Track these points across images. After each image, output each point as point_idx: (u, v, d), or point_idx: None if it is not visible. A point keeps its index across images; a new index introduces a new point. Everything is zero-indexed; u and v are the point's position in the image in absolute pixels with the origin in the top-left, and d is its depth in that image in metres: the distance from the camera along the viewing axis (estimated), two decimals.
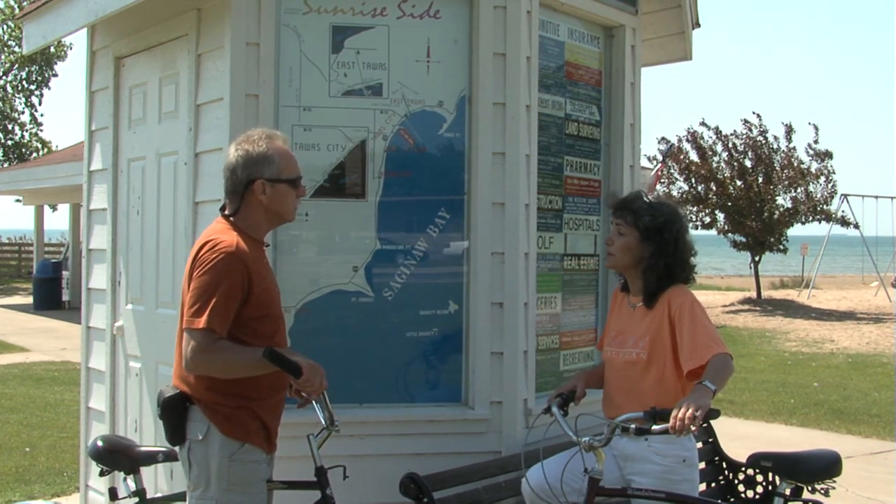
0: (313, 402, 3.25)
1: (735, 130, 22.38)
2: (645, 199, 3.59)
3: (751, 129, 22.17)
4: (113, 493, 3.61)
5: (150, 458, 3.56)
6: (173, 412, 3.11)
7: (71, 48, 34.53)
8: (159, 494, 4.05)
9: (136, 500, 3.51)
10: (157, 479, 4.32)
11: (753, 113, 22.58)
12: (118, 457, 3.50)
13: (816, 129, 22.43)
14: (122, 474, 3.58)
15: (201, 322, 2.94)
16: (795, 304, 22.82)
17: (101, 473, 3.56)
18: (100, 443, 3.53)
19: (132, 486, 3.50)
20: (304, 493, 3.27)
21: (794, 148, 22.16)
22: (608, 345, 3.68)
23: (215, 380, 3.05)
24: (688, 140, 22.46)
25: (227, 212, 3.16)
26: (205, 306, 2.94)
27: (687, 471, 3.43)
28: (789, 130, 22.20)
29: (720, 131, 22.29)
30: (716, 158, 22.25)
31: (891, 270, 29.07)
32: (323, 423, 3.27)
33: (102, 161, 4.99)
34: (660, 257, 3.49)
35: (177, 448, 3.19)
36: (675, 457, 3.39)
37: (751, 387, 11.30)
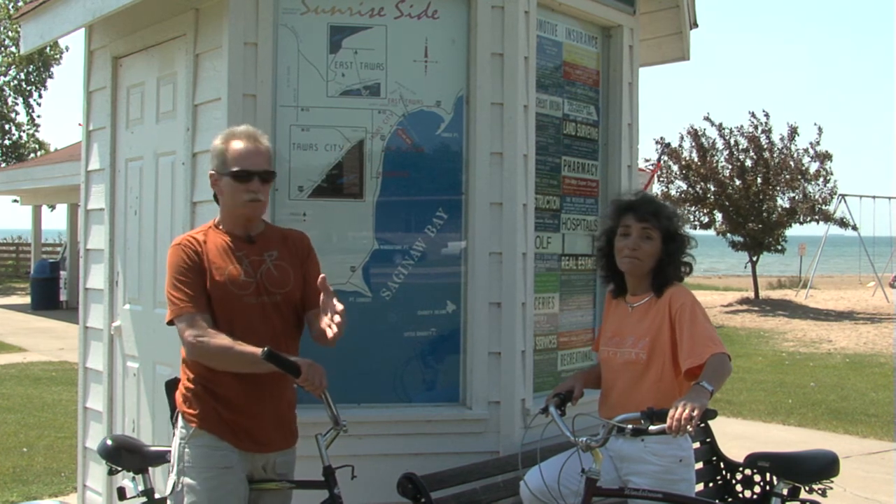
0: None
1: (742, 126, 22.37)
2: (658, 201, 3.63)
3: (756, 127, 22.15)
4: (121, 493, 3.61)
5: (160, 458, 3.58)
6: (170, 394, 3.32)
7: (67, 50, 34.49)
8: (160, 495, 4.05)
9: (145, 499, 3.51)
10: (154, 480, 4.31)
11: (763, 111, 22.60)
12: (128, 456, 3.52)
13: (820, 130, 22.44)
14: (129, 474, 3.58)
15: (173, 311, 3.14)
16: (793, 304, 22.84)
17: (110, 472, 3.57)
18: (109, 441, 3.55)
19: (140, 485, 3.50)
20: (311, 493, 3.29)
21: (798, 150, 22.16)
22: (605, 345, 3.68)
23: (187, 364, 3.20)
24: (689, 134, 22.44)
25: None
26: (169, 298, 3.16)
27: (684, 470, 3.43)
28: (793, 132, 22.19)
29: (723, 127, 22.30)
30: (716, 157, 22.25)
31: (888, 270, 29.11)
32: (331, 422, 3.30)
33: (100, 161, 4.98)
34: (674, 255, 3.53)
35: None
36: (671, 457, 3.40)
37: (748, 387, 11.31)
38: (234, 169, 3.16)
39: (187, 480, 3.14)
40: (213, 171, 3.24)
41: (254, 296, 3.19)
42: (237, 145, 3.19)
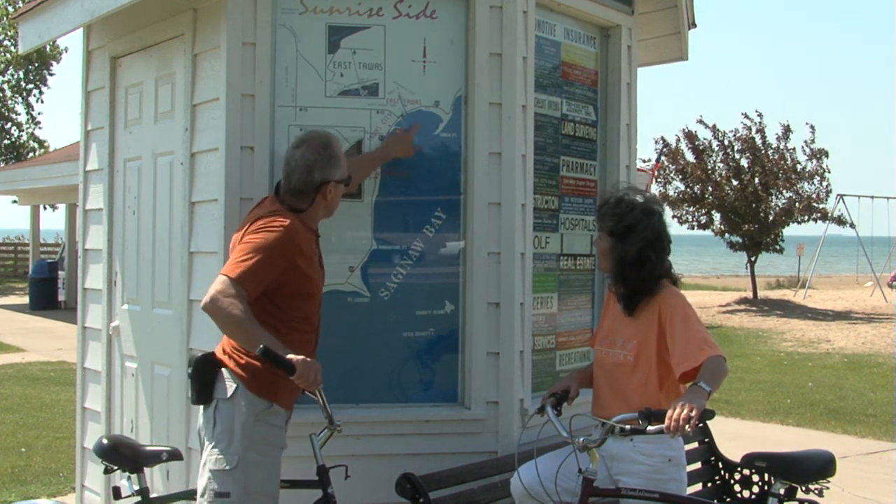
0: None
1: (736, 128, 22.38)
2: (613, 201, 3.56)
3: (750, 129, 22.18)
4: (116, 492, 3.62)
5: (155, 458, 3.60)
6: (203, 371, 3.30)
7: (66, 51, 34.43)
8: (155, 494, 4.05)
9: (139, 499, 3.52)
10: (152, 480, 4.31)
11: (756, 112, 22.65)
12: (123, 455, 3.53)
13: (813, 128, 22.50)
14: (124, 473, 3.59)
15: (234, 272, 3.15)
16: (791, 304, 22.85)
17: (106, 471, 3.59)
18: (105, 441, 3.58)
19: (135, 485, 3.52)
20: (306, 492, 3.33)
21: (792, 149, 22.19)
22: (599, 343, 3.69)
23: None
24: (685, 136, 22.48)
25: (289, 203, 3.39)
26: (245, 262, 3.17)
27: (673, 470, 3.44)
28: (787, 130, 22.22)
29: (717, 129, 22.31)
30: (712, 158, 22.28)
31: (886, 270, 29.13)
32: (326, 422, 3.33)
33: (98, 161, 4.98)
34: (624, 262, 3.49)
35: (200, 407, 3.33)
36: (660, 456, 3.40)
37: (747, 387, 11.32)
38: (348, 174, 3.49)
39: (256, 457, 3.21)
40: (334, 181, 3.40)
41: (322, 290, 3.51)
42: (342, 151, 3.49)
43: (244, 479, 3.18)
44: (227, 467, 3.18)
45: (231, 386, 3.25)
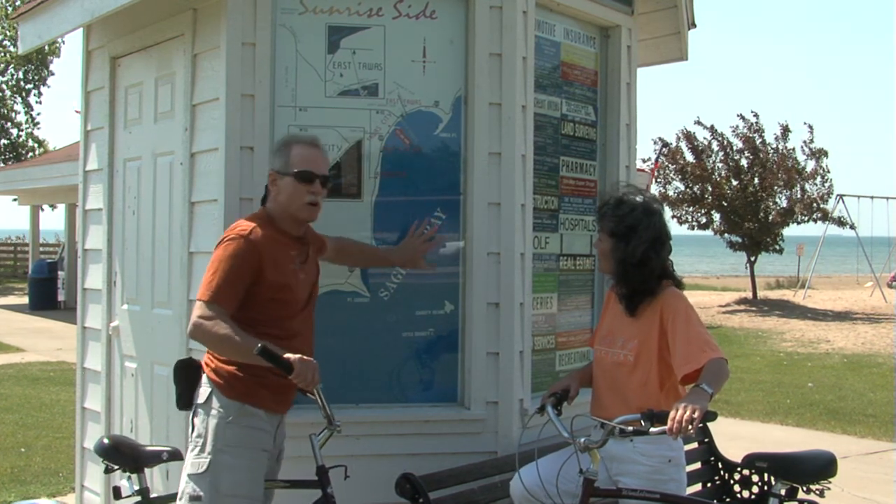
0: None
1: (737, 126, 22.37)
2: (613, 202, 3.55)
3: (750, 128, 22.20)
4: (116, 492, 3.63)
5: (155, 458, 3.62)
6: (183, 376, 3.34)
7: (63, 43, 34.35)
8: (155, 495, 4.05)
9: (139, 498, 3.53)
10: (152, 480, 4.31)
11: (752, 112, 22.68)
12: (124, 455, 3.55)
13: (811, 128, 22.52)
14: (124, 473, 3.60)
15: (206, 294, 3.15)
16: (791, 304, 22.85)
17: (107, 471, 3.60)
18: (106, 440, 3.61)
19: (135, 485, 3.53)
20: (305, 493, 3.32)
21: (792, 149, 22.20)
22: (599, 343, 3.69)
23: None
24: (683, 137, 22.49)
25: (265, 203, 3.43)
26: (211, 281, 3.17)
27: (673, 470, 3.43)
28: (785, 130, 22.25)
29: (715, 130, 22.33)
30: (711, 158, 22.28)
31: (886, 270, 29.13)
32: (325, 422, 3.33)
33: (98, 161, 4.98)
34: (626, 263, 3.49)
35: (187, 413, 3.36)
36: (660, 457, 3.40)
37: (747, 387, 11.32)
38: (298, 169, 3.30)
39: (227, 459, 3.19)
40: (274, 170, 3.36)
41: (304, 296, 3.39)
42: (302, 147, 3.35)
43: (216, 482, 3.18)
44: (200, 471, 3.20)
45: (206, 390, 3.26)
